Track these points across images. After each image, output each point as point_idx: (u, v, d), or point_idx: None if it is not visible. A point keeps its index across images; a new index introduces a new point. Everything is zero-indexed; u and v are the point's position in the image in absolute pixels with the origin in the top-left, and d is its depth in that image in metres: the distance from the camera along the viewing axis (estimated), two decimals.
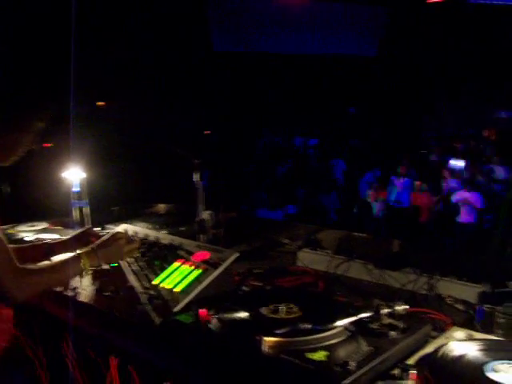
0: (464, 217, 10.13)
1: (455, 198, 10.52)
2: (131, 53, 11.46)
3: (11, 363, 2.53)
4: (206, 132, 16.19)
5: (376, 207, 11.14)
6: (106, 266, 2.50)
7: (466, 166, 12.43)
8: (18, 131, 2.17)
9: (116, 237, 2.45)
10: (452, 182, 11.55)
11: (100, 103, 13.05)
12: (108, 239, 2.43)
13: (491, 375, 1.55)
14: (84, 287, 2.47)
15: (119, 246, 2.42)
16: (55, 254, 2.54)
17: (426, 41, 14.42)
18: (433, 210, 10.94)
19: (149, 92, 11.94)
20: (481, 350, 1.70)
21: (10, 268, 2.06)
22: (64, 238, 2.65)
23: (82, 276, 2.43)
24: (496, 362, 1.62)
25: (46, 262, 2.40)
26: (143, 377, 2.19)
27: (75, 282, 2.51)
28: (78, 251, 2.33)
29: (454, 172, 11.95)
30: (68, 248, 2.58)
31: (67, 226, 3.57)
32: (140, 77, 11.58)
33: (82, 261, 2.28)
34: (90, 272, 2.37)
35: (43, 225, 3.63)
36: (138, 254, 2.58)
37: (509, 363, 1.62)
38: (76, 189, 3.45)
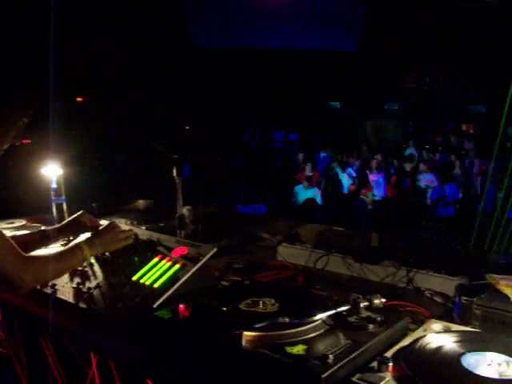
0: (441, 209, 10.23)
1: (432, 191, 10.64)
2: (110, 48, 11.38)
3: None
4: (186, 127, 16.16)
5: (357, 202, 11.22)
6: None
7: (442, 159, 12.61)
8: (1, 127, 2.16)
9: (112, 225, 2.55)
10: (429, 176, 11.68)
11: (79, 99, 12.96)
12: (105, 228, 2.53)
13: (468, 366, 1.57)
14: (63, 284, 2.46)
15: (115, 234, 2.52)
16: (50, 241, 2.58)
17: (407, 35, 14.47)
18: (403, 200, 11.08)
19: (128, 87, 11.87)
20: (457, 341, 1.72)
21: (17, 256, 2.12)
22: (58, 225, 2.68)
23: (83, 265, 2.46)
24: (472, 353, 1.64)
25: (50, 251, 2.44)
26: (124, 373, 2.18)
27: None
28: (78, 240, 2.41)
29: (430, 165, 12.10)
30: (63, 234, 2.64)
31: (46, 222, 3.55)
32: (119, 72, 11.51)
33: (84, 250, 2.36)
34: (91, 261, 2.48)
35: (22, 222, 3.60)
36: (131, 241, 2.60)
37: (485, 354, 1.64)
38: (54, 185, 3.43)
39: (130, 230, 2.64)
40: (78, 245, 2.38)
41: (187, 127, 16.29)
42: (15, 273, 2.08)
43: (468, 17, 12.83)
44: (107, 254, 2.57)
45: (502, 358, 1.62)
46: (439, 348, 1.68)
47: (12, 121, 2.19)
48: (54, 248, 2.51)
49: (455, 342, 1.72)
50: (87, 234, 2.57)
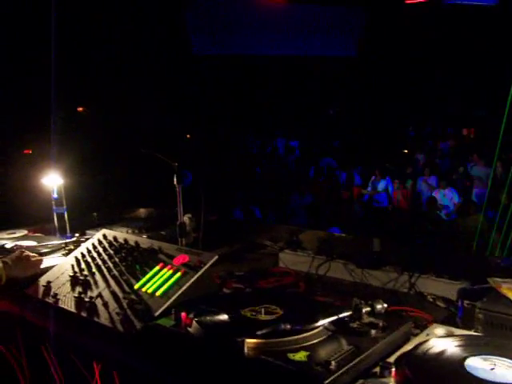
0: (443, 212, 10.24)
1: (434, 194, 10.65)
2: (111, 58, 11.42)
3: None
4: (187, 136, 16.18)
5: (356, 207, 11.21)
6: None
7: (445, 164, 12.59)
8: None
9: (21, 254, 2.73)
10: (432, 180, 11.68)
11: (80, 109, 12.99)
12: (15, 255, 2.71)
13: (471, 370, 1.57)
14: (65, 293, 2.46)
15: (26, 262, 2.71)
16: None
17: (405, 41, 14.51)
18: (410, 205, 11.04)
19: (129, 97, 11.90)
20: (460, 345, 1.72)
21: None
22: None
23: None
24: (475, 357, 1.63)
25: None
26: (126, 381, 2.18)
27: (56, 288, 2.51)
28: None
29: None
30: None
31: (47, 232, 3.55)
32: (120, 82, 11.54)
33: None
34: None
35: (23, 232, 3.60)
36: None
37: (487, 358, 1.63)
38: (55, 195, 3.43)
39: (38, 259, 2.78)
40: None
41: (188, 136, 16.31)
42: None
43: (466, 23, 12.87)
44: (109, 263, 2.57)
45: (505, 361, 1.61)
46: (442, 352, 1.67)
47: None
48: None
49: (458, 346, 1.71)
50: None
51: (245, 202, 10.75)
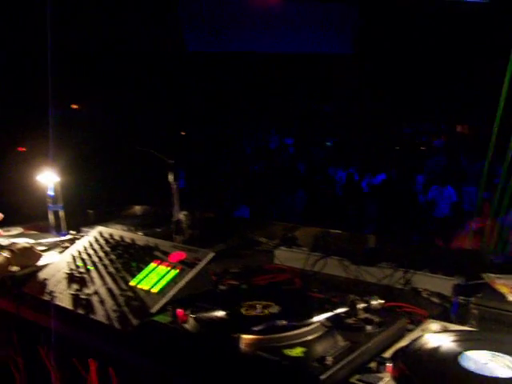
0: (439, 210, 10.23)
1: (431, 192, 10.65)
2: (105, 54, 11.39)
3: None
4: (181, 133, 16.16)
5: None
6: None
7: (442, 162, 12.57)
8: None
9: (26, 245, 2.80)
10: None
11: (74, 106, 12.97)
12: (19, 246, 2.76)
13: (465, 365, 1.58)
14: (61, 291, 2.47)
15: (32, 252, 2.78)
16: None
17: (401, 37, 14.52)
18: None
19: (123, 94, 11.88)
20: (455, 340, 1.73)
21: None
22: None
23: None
24: (470, 352, 1.64)
25: None
26: (123, 378, 2.19)
27: (52, 286, 2.52)
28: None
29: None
30: None
31: (43, 230, 3.55)
32: (114, 78, 11.52)
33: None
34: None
35: (19, 230, 3.60)
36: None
37: (482, 353, 1.65)
38: (51, 192, 3.43)
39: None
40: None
41: (183, 133, 16.30)
42: None
43: (462, 19, 12.88)
44: (105, 260, 2.58)
45: (500, 356, 1.63)
46: (437, 348, 1.69)
47: None
48: None
49: (453, 341, 1.73)
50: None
51: (239, 199, 10.74)
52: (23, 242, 3.00)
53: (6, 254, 2.62)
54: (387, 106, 18.77)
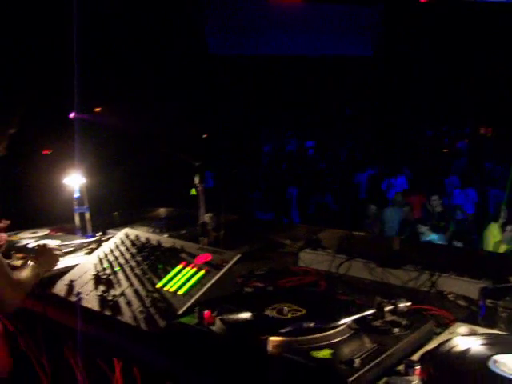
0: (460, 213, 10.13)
1: (454, 195, 10.57)
2: (129, 57, 11.45)
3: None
4: (204, 135, 16.19)
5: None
6: None
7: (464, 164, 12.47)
8: None
9: (44, 248, 2.74)
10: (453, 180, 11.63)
11: (97, 109, 13.06)
12: (39, 251, 2.71)
13: (495, 368, 1.57)
14: (87, 292, 2.49)
15: (51, 256, 2.71)
16: None
17: (421, 40, 14.45)
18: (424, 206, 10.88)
19: (148, 96, 11.93)
20: (484, 344, 1.72)
21: (9, 280, 2.28)
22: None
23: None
24: (499, 356, 1.63)
25: (24, 273, 2.47)
26: (148, 379, 2.20)
27: (78, 287, 2.54)
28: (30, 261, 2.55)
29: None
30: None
31: (69, 231, 3.58)
32: (139, 81, 11.57)
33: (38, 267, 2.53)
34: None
35: (45, 231, 3.64)
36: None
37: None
38: (77, 195, 3.46)
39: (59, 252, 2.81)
40: (34, 263, 2.53)
41: (205, 135, 16.33)
42: (6, 294, 2.25)
43: (482, 21, 12.79)
44: (131, 261, 2.60)
45: None
46: (466, 351, 1.67)
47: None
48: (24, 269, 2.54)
49: (482, 344, 1.71)
50: None
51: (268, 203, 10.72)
52: (50, 243, 3.03)
53: (32, 262, 2.60)
54: (409, 108, 18.68)
